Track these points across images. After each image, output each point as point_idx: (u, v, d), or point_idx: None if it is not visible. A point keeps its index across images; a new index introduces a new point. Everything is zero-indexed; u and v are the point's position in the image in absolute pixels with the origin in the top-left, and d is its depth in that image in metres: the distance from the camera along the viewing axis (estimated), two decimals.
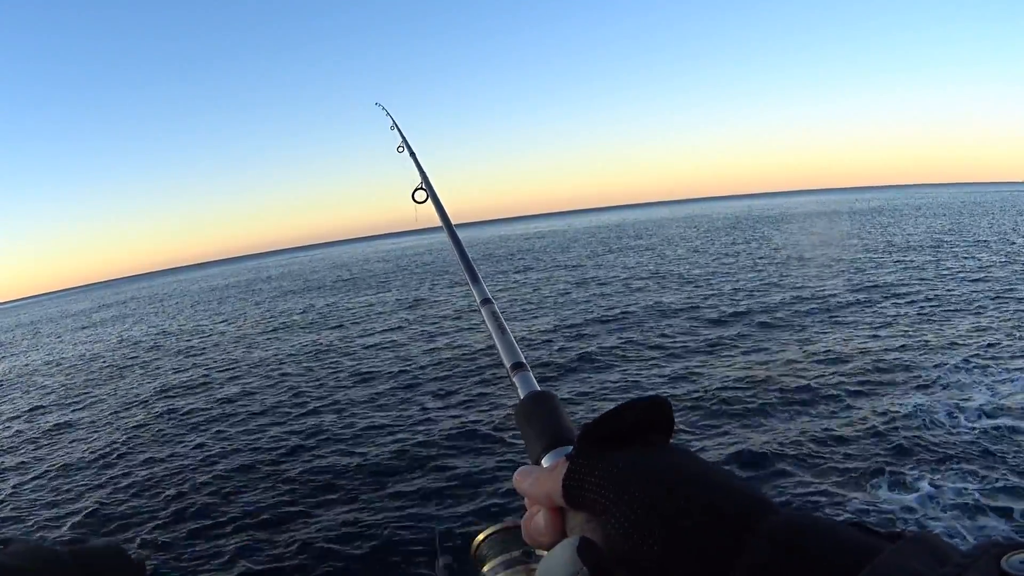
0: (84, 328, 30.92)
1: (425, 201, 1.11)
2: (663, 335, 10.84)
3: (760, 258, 21.28)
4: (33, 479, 8.11)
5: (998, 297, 11.84)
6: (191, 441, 8.53)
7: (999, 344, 8.83)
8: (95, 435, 9.74)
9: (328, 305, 22.08)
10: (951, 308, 11.27)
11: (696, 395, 7.68)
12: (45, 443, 9.82)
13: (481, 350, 10.84)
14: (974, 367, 7.94)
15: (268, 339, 16.25)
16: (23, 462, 8.99)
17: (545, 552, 0.42)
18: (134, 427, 9.81)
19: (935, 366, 8.09)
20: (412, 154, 1.35)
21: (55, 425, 10.87)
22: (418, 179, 1.18)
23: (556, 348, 10.73)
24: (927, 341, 9.20)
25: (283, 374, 11.71)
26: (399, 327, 15.06)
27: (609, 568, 0.37)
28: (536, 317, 13.73)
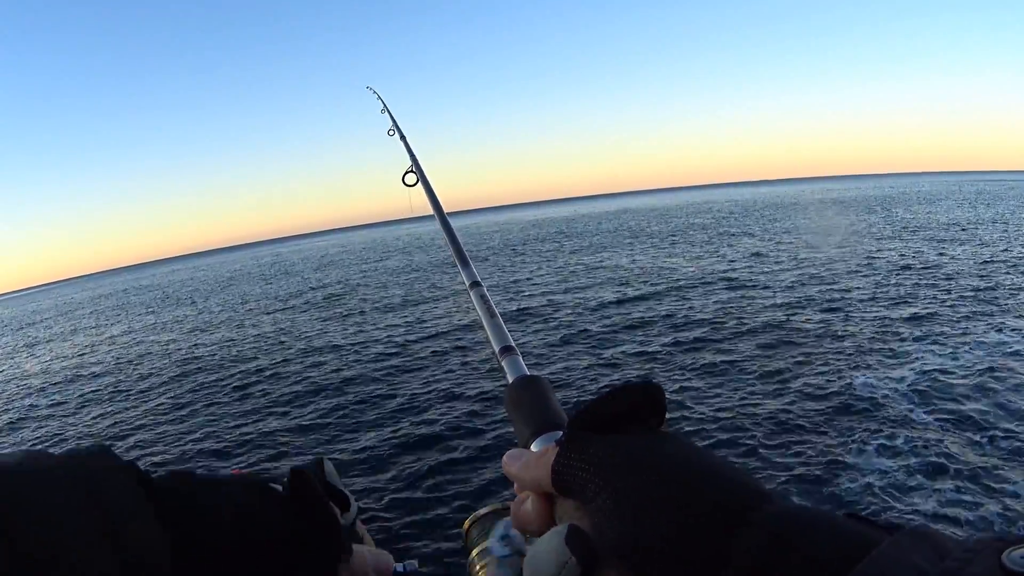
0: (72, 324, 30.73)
1: (416, 184, 1.10)
2: (656, 321, 10.87)
3: (760, 246, 21.28)
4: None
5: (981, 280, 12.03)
6: (170, 428, 8.55)
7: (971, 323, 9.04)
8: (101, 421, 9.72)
9: (316, 291, 22.03)
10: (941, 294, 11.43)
11: (688, 381, 7.73)
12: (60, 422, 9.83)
13: (469, 333, 10.86)
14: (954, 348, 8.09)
15: (248, 331, 16.17)
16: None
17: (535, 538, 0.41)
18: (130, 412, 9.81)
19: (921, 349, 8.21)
20: (402, 137, 1.34)
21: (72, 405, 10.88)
22: (409, 162, 1.17)
23: (546, 332, 10.75)
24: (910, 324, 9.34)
25: (261, 362, 11.66)
26: (386, 312, 15.02)
27: (598, 557, 0.36)
28: (526, 301, 13.73)
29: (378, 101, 1.64)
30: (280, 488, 0.41)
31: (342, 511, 0.50)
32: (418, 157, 1.17)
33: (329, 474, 0.52)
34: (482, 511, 0.56)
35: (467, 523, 0.57)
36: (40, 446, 8.37)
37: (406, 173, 1.11)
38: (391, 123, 1.43)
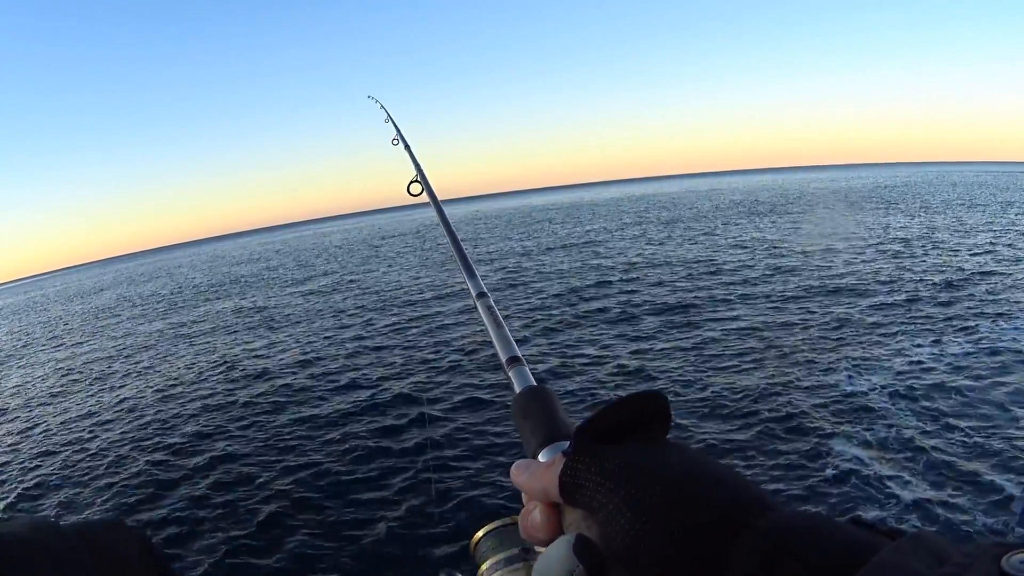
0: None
1: (420, 194, 1.10)
2: (660, 328, 10.84)
3: (761, 238, 20.99)
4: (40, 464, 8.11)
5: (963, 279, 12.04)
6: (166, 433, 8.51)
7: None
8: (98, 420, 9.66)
9: (312, 287, 21.71)
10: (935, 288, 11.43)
11: (693, 389, 7.71)
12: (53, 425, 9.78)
13: (476, 344, 10.79)
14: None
15: (237, 330, 15.97)
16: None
17: (543, 548, 0.42)
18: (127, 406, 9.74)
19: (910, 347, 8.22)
20: (407, 147, 1.33)
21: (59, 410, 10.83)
22: (413, 172, 1.17)
23: (553, 342, 10.68)
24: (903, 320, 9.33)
25: (262, 366, 11.57)
26: (388, 315, 14.90)
27: (605, 566, 0.37)
28: (533, 309, 13.65)
29: (382, 111, 1.63)
30: None
31: None
32: (423, 166, 1.17)
33: None
34: (491, 525, 0.56)
35: (475, 537, 0.57)
36: (24, 437, 8.24)
37: (411, 183, 1.11)
38: (395, 132, 1.42)
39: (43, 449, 8.93)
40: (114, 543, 0.32)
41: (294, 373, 10.70)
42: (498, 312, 0.69)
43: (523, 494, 0.47)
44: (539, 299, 14.63)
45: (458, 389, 8.58)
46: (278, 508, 5.87)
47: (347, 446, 7.17)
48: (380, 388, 9.22)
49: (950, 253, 15.53)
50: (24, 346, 21.23)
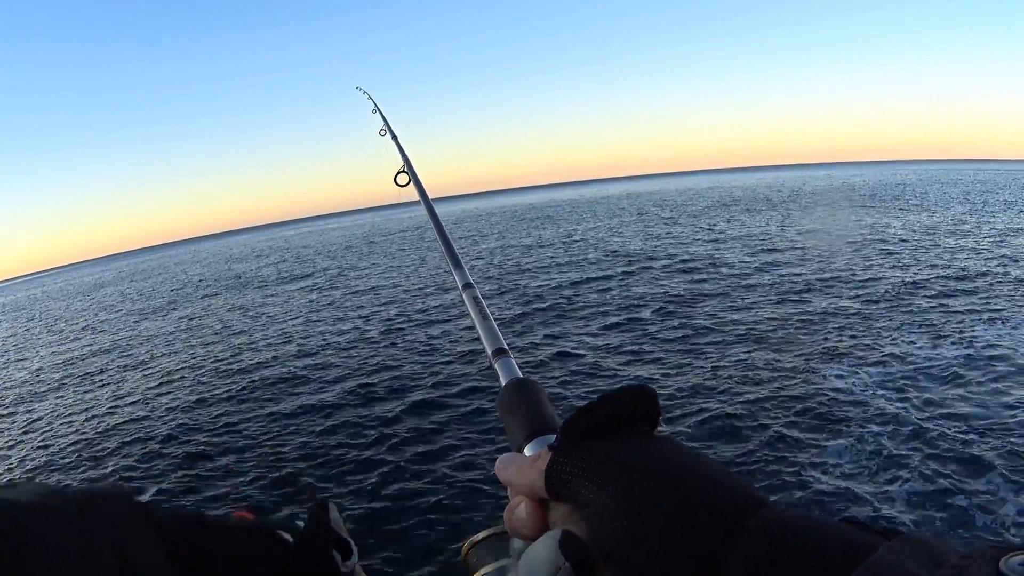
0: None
1: (408, 184, 1.09)
2: (650, 322, 10.86)
3: (759, 236, 21.03)
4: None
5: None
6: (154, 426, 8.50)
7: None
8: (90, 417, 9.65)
9: (301, 285, 21.75)
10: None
11: (683, 384, 7.73)
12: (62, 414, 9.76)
13: (462, 335, 10.78)
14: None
15: (230, 327, 15.99)
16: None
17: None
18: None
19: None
20: (394, 137, 1.33)
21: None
22: (401, 162, 1.16)
23: (540, 334, 10.68)
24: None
25: (253, 361, 11.57)
26: (377, 308, 14.90)
27: (592, 563, 0.36)
28: (522, 301, 13.65)
29: (369, 101, 1.63)
30: (288, 536, 0.41)
31: (344, 558, 0.51)
32: (410, 157, 1.16)
33: (334, 520, 0.52)
34: (480, 535, 0.56)
35: (466, 547, 0.57)
36: (24, 433, 8.21)
37: (398, 173, 1.10)
38: (382, 123, 1.42)
39: (40, 443, 8.93)
40: (122, 513, 0.33)
41: (281, 368, 10.73)
42: (484, 303, 0.68)
43: (508, 489, 0.46)
44: (529, 291, 14.66)
45: (443, 382, 8.56)
46: (262, 504, 5.87)
47: (330, 441, 7.16)
48: (363, 381, 9.21)
49: (950, 252, 15.58)
50: (27, 341, 21.24)
